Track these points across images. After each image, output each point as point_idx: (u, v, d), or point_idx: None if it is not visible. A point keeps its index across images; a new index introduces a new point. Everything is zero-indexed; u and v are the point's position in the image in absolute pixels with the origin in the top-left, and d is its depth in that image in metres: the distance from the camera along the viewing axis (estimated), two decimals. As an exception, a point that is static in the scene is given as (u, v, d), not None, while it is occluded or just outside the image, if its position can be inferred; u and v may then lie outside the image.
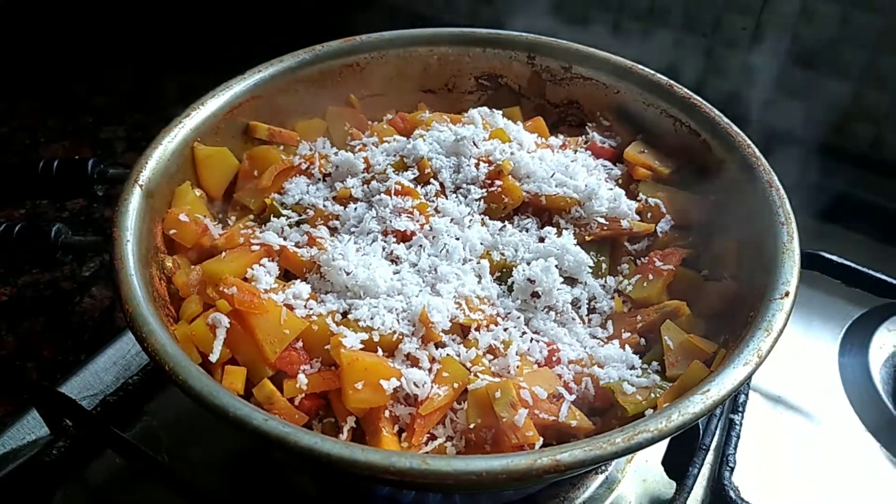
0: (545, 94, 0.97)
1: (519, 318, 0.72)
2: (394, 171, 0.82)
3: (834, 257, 0.95)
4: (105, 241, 0.69)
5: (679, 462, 0.77)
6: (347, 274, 0.71)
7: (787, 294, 0.65)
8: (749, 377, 0.60)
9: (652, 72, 0.90)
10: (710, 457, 0.80)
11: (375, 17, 1.48)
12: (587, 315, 0.75)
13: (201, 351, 0.65)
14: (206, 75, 0.92)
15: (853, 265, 0.94)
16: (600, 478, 0.81)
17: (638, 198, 0.82)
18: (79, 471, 0.82)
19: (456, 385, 0.64)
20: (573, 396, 0.66)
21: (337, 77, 0.94)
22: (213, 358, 0.64)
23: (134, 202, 0.71)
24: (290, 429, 0.51)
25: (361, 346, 0.65)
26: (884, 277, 0.94)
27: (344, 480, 0.75)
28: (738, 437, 0.81)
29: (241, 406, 0.53)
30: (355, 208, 0.80)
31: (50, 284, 1.08)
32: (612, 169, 0.88)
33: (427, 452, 0.62)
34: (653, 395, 0.66)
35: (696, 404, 0.57)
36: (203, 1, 1.67)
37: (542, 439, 0.61)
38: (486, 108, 0.92)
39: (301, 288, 0.70)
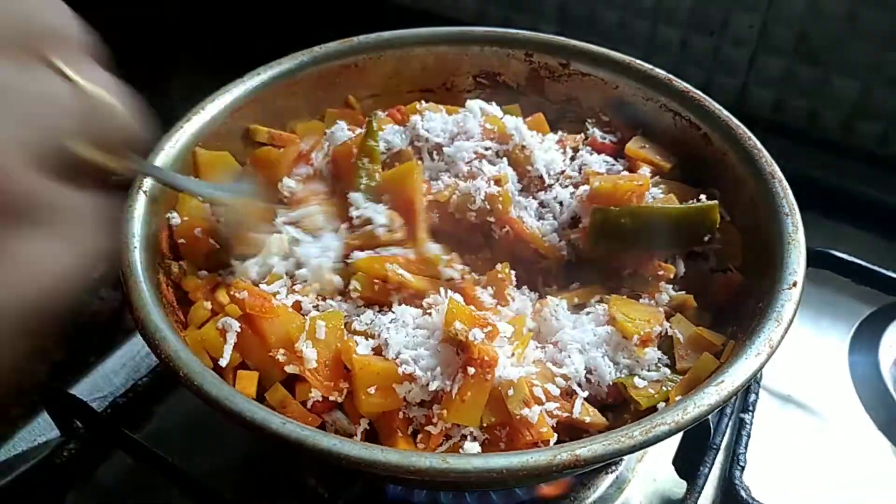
0: (544, 91, 0.97)
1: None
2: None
3: (843, 255, 0.94)
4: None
5: (689, 461, 0.77)
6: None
7: (795, 284, 0.66)
8: (761, 368, 0.60)
9: (650, 66, 0.90)
10: (720, 456, 0.80)
11: (376, 16, 1.47)
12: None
13: (212, 356, 0.65)
14: (204, 78, 0.92)
15: (863, 263, 0.94)
16: (610, 477, 0.81)
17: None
18: (90, 472, 0.82)
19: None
20: (586, 393, 0.66)
21: (335, 78, 0.93)
22: (224, 363, 0.64)
23: (139, 209, 0.71)
24: (308, 431, 0.52)
25: (372, 351, 0.65)
26: (894, 275, 0.93)
27: (357, 481, 0.75)
28: (749, 436, 0.81)
29: (258, 410, 0.53)
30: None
31: (59, 286, 1.08)
32: (613, 164, 0.87)
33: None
34: (664, 388, 0.66)
35: (710, 396, 0.57)
36: (198, 4, 1.66)
37: (556, 436, 0.61)
38: (481, 102, 0.90)
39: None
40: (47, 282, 0.28)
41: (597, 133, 0.90)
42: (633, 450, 0.53)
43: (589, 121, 0.94)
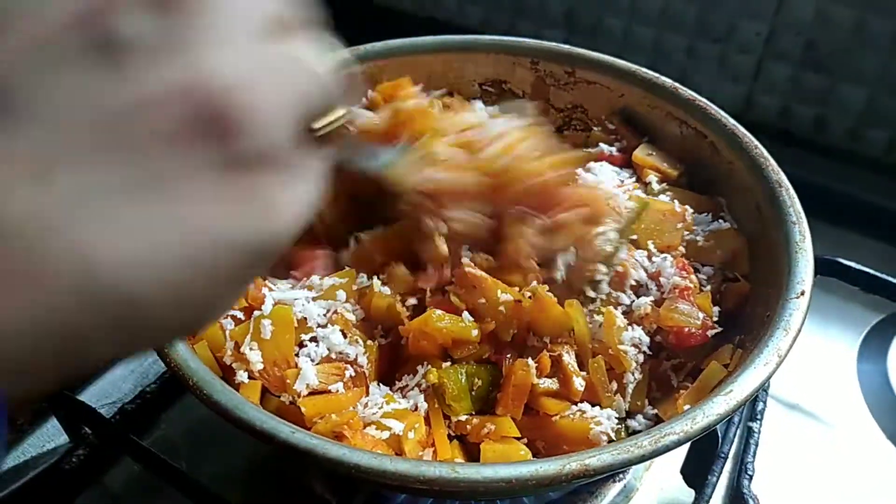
0: (549, 98, 0.97)
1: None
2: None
3: (851, 263, 0.94)
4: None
5: (698, 470, 0.77)
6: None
7: (803, 293, 0.65)
8: (770, 377, 0.60)
9: (656, 74, 0.90)
10: (728, 465, 0.80)
11: (381, 23, 1.48)
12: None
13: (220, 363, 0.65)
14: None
15: (871, 271, 0.94)
16: (618, 486, 0.81)
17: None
18: (98, 478, 0.82)
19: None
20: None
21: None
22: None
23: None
24: (317, 440, 0.52)
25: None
26: (902, 283, 0.93)
27: (364, 489, 0.75)
28: (757, 445, 0.81)
29: (267, 419, 0.53)
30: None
31: (67, 292, 1.08)
32: (619, 174, 0.87)
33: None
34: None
35: (719, 405, 0.57)
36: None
37: None
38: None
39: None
40: (291, 223, 0.33)
41: (603, 147, 0.90)
42: (642, 459, 0.53)
43: (595, 128, 0.94)
